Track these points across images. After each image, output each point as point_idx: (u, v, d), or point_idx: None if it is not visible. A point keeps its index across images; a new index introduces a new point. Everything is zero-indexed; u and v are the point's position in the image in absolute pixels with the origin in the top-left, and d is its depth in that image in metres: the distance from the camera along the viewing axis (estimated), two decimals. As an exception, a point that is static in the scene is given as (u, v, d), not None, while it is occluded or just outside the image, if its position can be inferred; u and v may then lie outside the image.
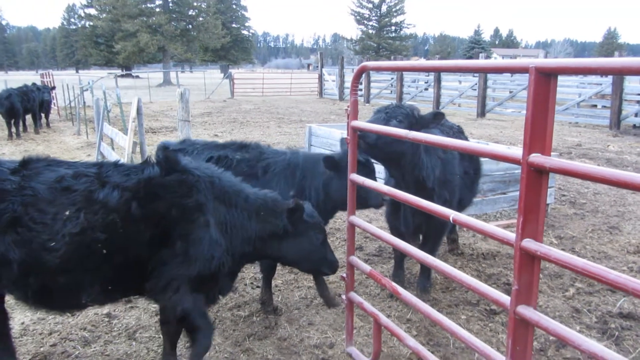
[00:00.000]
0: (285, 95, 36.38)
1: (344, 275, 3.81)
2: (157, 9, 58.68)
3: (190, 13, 61.16)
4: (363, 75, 3.56)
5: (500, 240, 2.40)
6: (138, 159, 7.39)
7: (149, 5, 58.78)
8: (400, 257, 5.12)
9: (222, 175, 3.55)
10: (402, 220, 4.69)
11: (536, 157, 2.16)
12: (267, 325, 4.37)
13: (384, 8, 77.57)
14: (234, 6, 75.56)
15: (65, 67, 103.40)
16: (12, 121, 15.82)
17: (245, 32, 78.27)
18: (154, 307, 4.67)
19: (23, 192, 2.99)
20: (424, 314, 3.00)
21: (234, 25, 74.67)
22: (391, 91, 29.52)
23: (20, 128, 16.40)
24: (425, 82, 27.54)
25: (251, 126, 18.89)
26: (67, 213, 2.98)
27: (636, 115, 18.43)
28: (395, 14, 77.93)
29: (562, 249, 5.85)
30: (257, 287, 5.17)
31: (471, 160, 5.44)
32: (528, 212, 2.21)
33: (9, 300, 3.55)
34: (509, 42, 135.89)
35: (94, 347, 4.07)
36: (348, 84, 32.27)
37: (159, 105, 26.81)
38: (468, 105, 24.69)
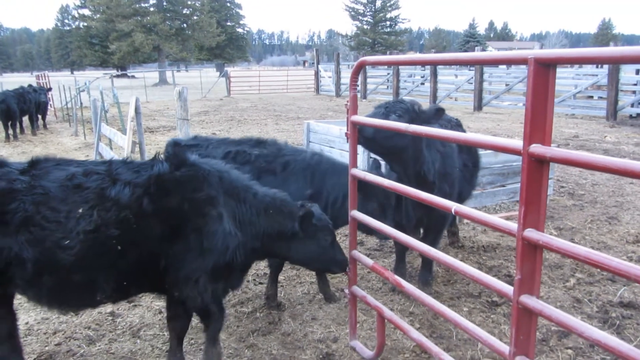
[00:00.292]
0: (282, 93, 36.34)
1: (347, 269, 3.84)
2: (152, 9, 58.50)
3: (184, 12, 61.00)
4: (352, 70, 3.58)
5: (502, 231, 2.43)
6: (137, 159, 7.40)
7: (143, 4, 58.60)
8: (401, 250, 5.14)
9: (230, 170, 3.59)
10: (404, 213, 4.71)
11: (537, 148, 2.18)
12: (270, 321, 4.39)
13: (378, 3, 77.52)
14: (228, 4, 75.40)
15: (60, 69, 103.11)
16: (9, 123, 15.80)
17: (240, 30, 78.12)
18: (157, 305, 4.70)
19: (34, 191, 3.00)
20: (428, 306, 3.03)
21: (228, 23, 74.51)
22: (387, 86, 29.54)
23: (18, 130, 16.36)
24: (422, 77, 27.56)
25: (248, 124, 18.89)
26: (81, 211, 3.00)
27: (632, 105, 18.48)
28: (389, 9, 77.89)
29: (562, 240, 5.88)
30: (260, 283, 5.20)
31: (470, 153, 5.46)
32: (529, 203, 2.24)
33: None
34: (504, 35, 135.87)
35: (99, 346, 4.08)
36: (344, 80, 32.45)
37: (155, 105, 26.79)
38: (465, 99, 24.71)
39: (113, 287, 3.16)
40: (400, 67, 26.94)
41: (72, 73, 77.29)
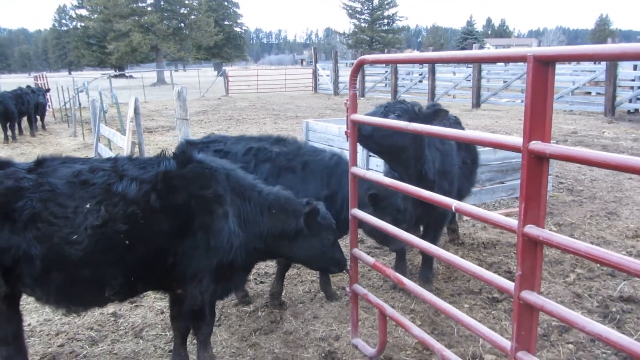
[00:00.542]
0: (280, 92, 36.33)
1: (346, 269, 3.86)
2: (149, 8, 58.40)
3: (182, 11, 60.92)
4: (352, 68, 3.60)
5: (502, 228, 2.44)
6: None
7: (140, 4, 58.50)
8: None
9: (236, 169, 3.62)
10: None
11: (536, 144, 2.19)
12: (272, 320, 4.40)
13: (376, 1, 77.56)
14: (226, 3, 75.23)
15: (58, 69, 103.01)
16: (8, 125, 15.79)
17: (237, 29, 77.96)
18: (160, 305, 4.71)
19: (41, 188, 3.02)
20: (430, 303, 3.04)
21: (226, 22, 74.36)
22: (385, 84, 29.53)
23: (16, 131, 16.36)
24: (420, 74, 27.54)
25: (247, 123, 18.90)
26: (88, 206, 3.02)
27: (630, 101, 18.51)
28: (387, 6, 77.90)
29: (562, 236, 5.90)
30: (261, 282, 5.22)
31: (468, 150, 5.48)
32: (529, 199, 2.25)
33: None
34: (502, 32, 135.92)
35: (102, 346, 4.10)
36: (342, 78, 32.45)
37: (154, 105, 26.77)
38: (463, 96, 24.72)
39: (121, 283, 3.17)
40: (398, 65, 26.94)
41: (69, 73, 77.28)
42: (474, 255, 5.81)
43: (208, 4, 67.38)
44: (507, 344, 2.49)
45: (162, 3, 58.61)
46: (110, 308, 4.59)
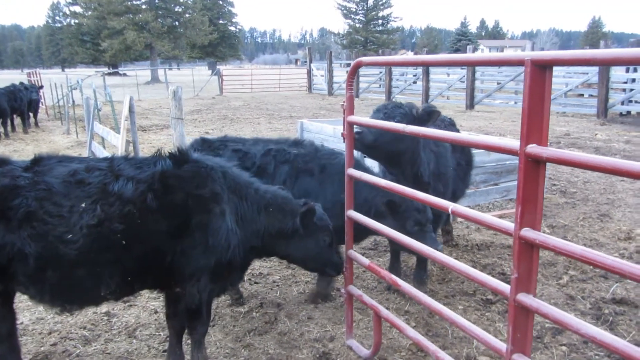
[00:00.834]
0: (274, 91, 36.29)
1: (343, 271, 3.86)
2: (144, 6, 58.19)
3: (176, 10, 60.77)
4: (349, 70, 3.61)
5: (499, 230, 2.45)
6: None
7: (135, 2, 58.30)
8: (396, 249, 5.16)
9: (232, 167, 3.62)
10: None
11: (533, 148, 2.21)
12: (266, 321, 4.40)
13: (370, 2, 77.64)
14: (221, 2, 75.09)
15: (51, 66, 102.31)
16: (0, 121, 15.68)
17: (232, 28, 77.85)
18: (153, 305, 4.70)
19: (37, 187, 3.01)
20: (425, 305, 3.05)
21: (220, 21, 74.20)
22: (380, 85, 29.57)
23: (9, 128, 16.25)
24: (414, 76, 27.59)
25: (242, 122, 18.86)
26: (84, 205, 3.01)
27: (622, 103, 18.65)
28: (381, 7, 78.01)
29: (555, 238, 5.93)
30: (256, 283, 5.21)
31: (463, 152, 5.50)
32: (526, 202, 2.26)
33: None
34: (495, 34, 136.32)
35: (95, 346, 4.08)
36: (337, 79, 32.48)
37: (147, 103, 26.67)
38: (457, 98, 24.80)
39: (117, 283, 3.16)
40: (392, 66, 26.96)
41: (63, 70, 76.74)
42: (467, 256, 5.83)
43: (203, 2, 67.21)
44: (502, 346, 2.51)
45: (156, 1, 58.45)
46: (104, 307, 4.57)
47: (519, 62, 2.26)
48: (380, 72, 29.12)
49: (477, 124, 17.49)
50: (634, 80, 18.56)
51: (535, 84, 2.20)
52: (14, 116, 16.84)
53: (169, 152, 3.45)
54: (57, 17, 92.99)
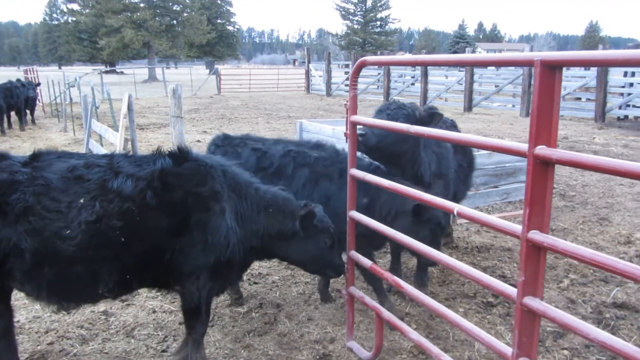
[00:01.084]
0: (273, 91, 36.25)
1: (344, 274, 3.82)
2: (142, 4, 58.01)
3: (175, 8, 60.60)
4: (352, 69, 3.58)
5: (506, 232, 2.43)
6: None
7: (133, 0, 58.10)
8: (397, 251, 5.13)
9: (233, 166, 3.59)
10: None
11: (542, 150, 2.18)
12: (266, 321, 4.36)
13: (369, 3, 77.65)
14: (219, 1, 74.94)
15: (48, 63, 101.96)
16: (-3, 118, 15.60)
17: (230, 27, 77.64)
18: (151, 304, 4.65)
19: (35, 182, 2.99)
20: (428, 307, 3.02)
21: (219, 20, 74.01)
22: (378, 86, 29.58)
23: (5, 125, 16.16)
24: (412, 77, 27.60)
25: (240, 122, 18.81)
26: (82, 201, 2.99)
27: (620, 107, 18.69)
28: (380, 8, 78.08)
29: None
30: (255, 283, 5.17)
31: (464, 153, 5.49)
32: (534, 204, 2.23)
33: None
34: (493, 37, 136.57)
35: (92, 345, 4.03)
36: (335, 79, 32.48)
37: (145, 102, 26.58)
38: (455, 100, 24.81)
39: (116, 280, 3.14)
40: (391, 67, 26.97)
41: (59, 68, 76.40)
42: (467, 259, 5.81)
43: (201, 1, 66.98)
44: (507, 350, 2.48)
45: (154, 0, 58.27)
46: (102, 306, 4.53)
47: (528, 63, 2.24)
48: (379, 74, 29.13)
49: (476, 126, 17.49)
50: (631, 84, 18.61)
51: (544, 85, 2.18)
52: (11, 113, 16.75)
53: (168, 150, 3.43)
54: (55, 15, 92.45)
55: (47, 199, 2.97)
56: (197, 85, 34.36)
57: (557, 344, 3.98)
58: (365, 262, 3.60)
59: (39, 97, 21.16)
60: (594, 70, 19.12)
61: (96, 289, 3.13)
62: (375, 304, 3.59)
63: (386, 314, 3.47)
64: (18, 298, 4.35)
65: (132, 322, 4.37)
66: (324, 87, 33.04)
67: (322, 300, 4.73)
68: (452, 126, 5.73)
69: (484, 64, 3.47)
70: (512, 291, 2.39)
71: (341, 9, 78.86)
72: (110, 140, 8.45)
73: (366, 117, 3.78)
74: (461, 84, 23.77)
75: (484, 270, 5.44)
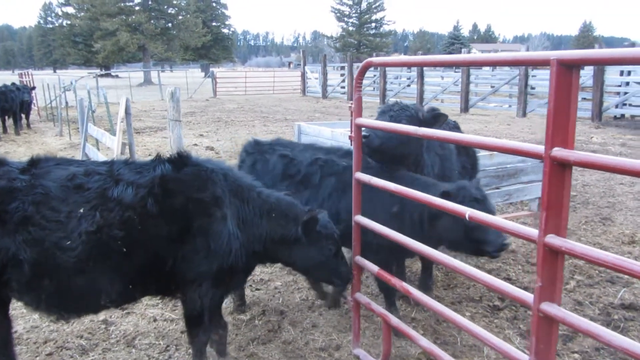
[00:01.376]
0: (268, 94, 36.17)
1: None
2: (137, 8, 57.82)
3: (170, 11, 60.41)
4: (357, 71, 3.51)
5: (521, 237, 2.36)
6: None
7: (128, 3, 57.89)
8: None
9: (234, 169, 3.54)
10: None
11: (559, 151, 2.12)
12: (270, 329, 4.27)
13: (364, 5, 77.66)
14: (214, 4, 74.80)
15: (43, 67, 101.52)
16: (-8, 123, 15.47)
17: (225, 30, 77.53)
18: (152, 313, 4.56)
19: (34, 190, 2.91)
20: (437, 312, 2.95)
21: (214, 23, 73.86)
22: (374, 88, 29.55)
23: (0, 129, 16.02)
24: (408, 79, 27.58)
25: (236, 125, 18.72)
26: (82, 211, 2.91)
27: (617, 106, 18.71)
28: (375, 10, 78.08)
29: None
30: (257, 289, 5.08)
31: (468, 155, 5.42)
32: (551, 207, 2.16)
33: None
34: (488, 37, 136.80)
35: (93, 356, 3.93)
36: (331, 82, 32.43)
37: (141, 105, 26.48)
38: (451, 101, 24.81)
39: (118, 291, 3.07)
40: (387, 68, 26.93)
41: (54, 71, 76.15)
42: (471, 261, 5.72)
43: (196, 4, 66.97)
44: (522, 356, 2.41)
45: (149, 3, 58.04)
46: (101, 315, 4.43)
47: (544, 62, 2.18)
48: (375, 75, 29.08)
49: (473, 127, 17.45)
50: (628, 83, 18.64)
51: (561, 85, 2.12)
52: (6, 117, 16.61)
53: (168, 156, 3.36)
54: (49, 18, 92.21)
55: (46, 208, 2.89)
56: (192, 89, 34.24)
57: (567, 348, 3.91)
58: (372, 268, 3.52)
59: (34, 101, 21.02)
60: (590, 70, 19.12)
61: (98, 300, 3.06)
62: (382, 310, 3.52)
63: (394, 320, 3.39)
64: (15, 307, 4.25)
65: (133, 331, 4.28)
66: (319, 89, 33.00)
67: (330, 307, 4.63)
68: (455, 127, 5.66)
69: (501, 64, 3.38)
70: (528, 297, 2.32)
71: (336, 11, 78.86)
72: (107, 145, 8.34)
73: (364, 118, 3.70)
74: (457, 85, 23.76)
75: (488, 273, 5.36)
